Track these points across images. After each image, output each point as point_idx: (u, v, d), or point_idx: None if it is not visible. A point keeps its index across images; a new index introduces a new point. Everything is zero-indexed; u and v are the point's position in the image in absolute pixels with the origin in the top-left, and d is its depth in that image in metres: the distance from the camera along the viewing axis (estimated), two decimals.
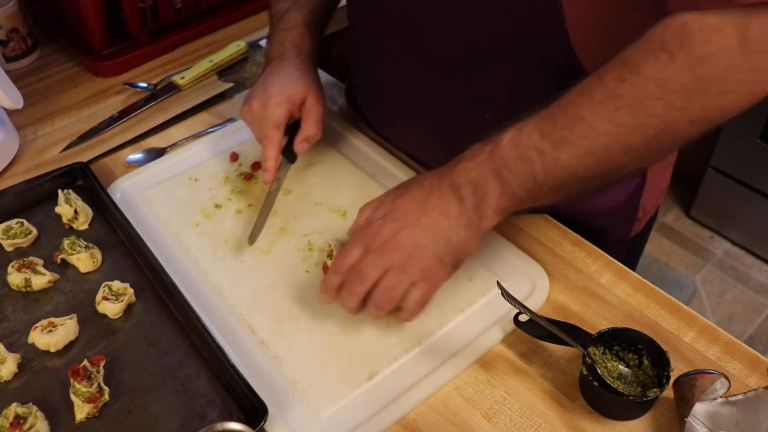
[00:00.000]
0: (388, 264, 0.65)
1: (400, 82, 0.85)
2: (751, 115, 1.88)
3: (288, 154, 0.87)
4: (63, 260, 0.79)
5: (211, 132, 1.00)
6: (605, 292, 0.77)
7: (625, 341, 0.67)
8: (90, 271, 0.79)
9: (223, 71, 1.13)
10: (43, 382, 0.68)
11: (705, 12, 0.54)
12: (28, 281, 0.76)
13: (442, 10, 0.73)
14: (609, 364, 0.66)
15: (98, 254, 0.80)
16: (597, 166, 0.61)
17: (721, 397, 0.60)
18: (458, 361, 0.69)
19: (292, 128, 0.86)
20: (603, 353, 0.67)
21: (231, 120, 1.01)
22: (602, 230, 0.84)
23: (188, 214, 0.86)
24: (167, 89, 1.08)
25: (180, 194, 0.89)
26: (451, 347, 0.71)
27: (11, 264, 0.77)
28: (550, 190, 0.63)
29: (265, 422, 0.62)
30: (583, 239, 0.82)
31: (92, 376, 0.66)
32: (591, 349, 0.65)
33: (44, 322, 0.71)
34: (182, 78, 1.08)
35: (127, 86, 1.10)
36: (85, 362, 0.67)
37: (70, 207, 0.83)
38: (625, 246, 0.88)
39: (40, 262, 0.78)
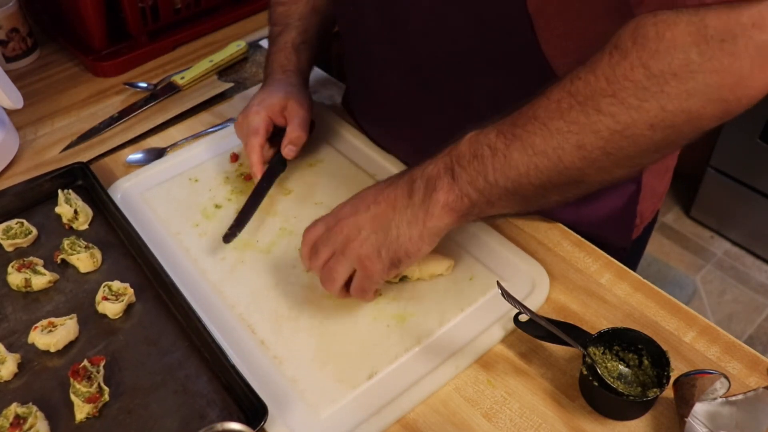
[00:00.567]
0: (333, 245, 0.67)
1: (386, 89, 0.86)
2: (751, 115, 1.88)
3: (278, 162, 0.88)
4: (63, 260, 0.79)
5: (211, 132, 1.00)
6: (605, 292, 0.77)
7: (625, 341, 0.67)
8: (90, 271, 0.79)
9: (223, 71, 1.13)
10: (43, 382, 0.68)
11: (658, 11, 0.52)
12: (28, 281, 0.76)
13: (421, 20, 0.74)
14: (609, 364, 0.66)
15: (98, 254, 0.80)
16: (550, 170, 0.58)
17: (721, 397, 0.60)
18: (458, 361, 0.69)
19: (280, 137, 0.88)
20: (603, 353, 0.67)
21: (231, 120, 1.01)
22: (600, 239, 0.84)
23: (188, 215, 0.86)
24: (167, 89, 1.08)
25: (180, 195, 0.89)
26: (451, 347, 0.71)
27: (11, 264, 0.77)
28: (504, 194, 0.61)
29: (265, 422, 0.62)
30: (583, 239, 0.82)
31: (92, 376, 0.66)
32: (591, 349, 0.65)
33: (44, 322, 0.71)
34: (182, 78, 1.08)
35: (127, 86, 1.10)
36: (85, 362, 0.67)
37: (70, 207, 0.83)
38: (626, 253, 0.88)
39: (40, 262, 0.78)
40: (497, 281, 0.68)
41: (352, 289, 0.70)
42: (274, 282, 0.78)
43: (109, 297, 0.74)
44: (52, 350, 0.70)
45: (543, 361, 0.70)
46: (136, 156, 0.96)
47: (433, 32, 0.74)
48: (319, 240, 0.69)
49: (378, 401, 0.66)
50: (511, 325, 0.70)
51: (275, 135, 0.89)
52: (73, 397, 0.65)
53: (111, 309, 0.73)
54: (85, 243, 0.80)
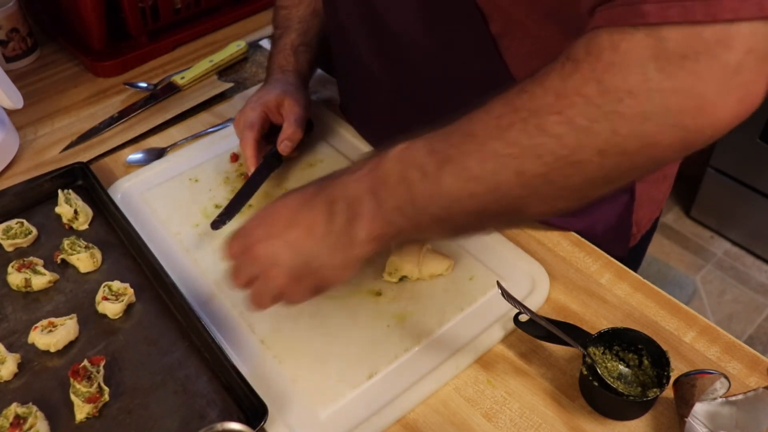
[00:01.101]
0: (251, 272, 0.61)
1: (376, 99, 0.87)
2: (751, 115, 1.88)
3: (273, 157, 0.89)
4: (63, 260, 0.79)
5: (211, 132, 1.00)
6: (605, 292, 0.77)
7: (625, 341, 0.67)
8: (90, 271, 0.79)
9: (223, 71, 1.13)
10: (43, 382, 0.68)
11: (614, 25, 0.46)
12: (28, 281, 0.76)
13: (396, 42, 0.75)
14: (609, 364, 0.66)
15: (98, 254, 0.80)
16: (487, 197, 0.52)
17: (721, 397, 0.60)
18: (458, 361, 0.69)
19: (277, 134, 0.89)
20: (603, 353, 0.67)
21: (231, 120, 1.01)
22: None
23: (188, 215, 0.86)
24: (167, 89, 1.08)
25: (180, 195, 0.89)
26: (451, 346, 0.71)
27: (11, 264, 0.77)
28: (435, 221, 0.55)
29: (265, 422, 0.62)
30: (583, 239, 0.82)
31: (92, 376, 0.66)
32: (591, 349, 0.65)
33: (44, 322, 0.71)
34: (182, 78, 1.08)
35: (127, 86, 1.10)
36: (85, 362, 0.67)
37: (70, 207, 0.83)
38: (623, 261, 0.87)
39: (40, 262, 0.78)
40: (497, 281, 0.68)
41: (281, 302, 0.63)
42: None
43: (109, 297, 0.74)
44: (52, 350, 0.70)
45: (543, 361, 0.70)
46: (136, 156, 0.96)
47: (407, 53, 0.75)
48: (240, 260, 0.62)
49: (378, 401, 0.66)
50: (511, 325, 0.70)
51: (272, 133, 0.89)
52: (73, 397, 0.65)
53: (111, 309, 0.73)
54: (85, 243, 0.80)
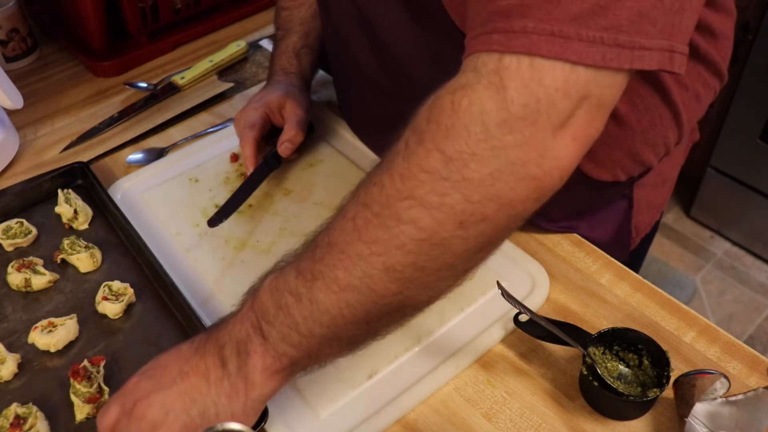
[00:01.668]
0: (137, 431, 0.55)
1: (371, 105, 0.87)
2: (751, 115, 1.88)
3: (272, 157, 0.89)
4: (63, 260, 0.79)
5: (211, 132, 1.00)
6: (605, 292, 0.76)
7: (625, 341, 0.67)
8: (90, 271, 0.79)
9: (223, 71, 1.13)
10: (43, 382, 0.68)
11: (464, 70, 0.45)
12: (28, 281, 0.76)
13: (386, 48, 0.75)
14: (609, 364, 0.66)
15: (98, 254, 0.80)
16: (365, 303, 0.50)
17: (721, 397, 0.60)
18: (458, 361, 0.69)
19: (277, 136, 0.89)
20: (603, 353, 0.67)
21: (231, 120, 1.01)
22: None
23: (188, 215, 0.86)
24: (167, 89, 1.08)
25: (180, 195, 0.89)
26: (450, 346, 0.71)
27: (11, 264, 0.77)
28: (324, 342, 0.52)
29: (265, 422, 0.62)
30: (583, 239, 0.82)
31: (92, 376, 0.66)
32: (591, 349, 0.65)
33: (44, 322, 0.71)
34: (182, 78, 1.08)
35: (127, 86, 1.10)
36: (85, 362, 0.67)
37: (70, 207, 0.83)
38: (625, 264, 0.87)
39: (40, 262, 0.78)
40: (497, 281, 0.68)
41: None
42: None
43: (109, 297, 0.74)
44: (52, 350, 0.70)
45: (543, 361, 0.70)
46: (136, 156, 0.96)
47: (397, 59, 0.75)
48: (119, 426, 0.55)
49: (378, 401, 0.66)
50: (511, 325, 0.70)
51: (273, 135, 0.89)
52: (73, 397, 0.65)
53: (111, 309, 0.73)
54: (85, 243, 0.80)
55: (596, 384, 0.64)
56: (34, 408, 0.64)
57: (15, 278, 0.76)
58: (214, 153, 0.95)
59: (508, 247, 0.80)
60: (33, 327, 0.71)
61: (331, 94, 1.07)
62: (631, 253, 0.89)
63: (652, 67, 0.45)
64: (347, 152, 0.95)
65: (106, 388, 0.66)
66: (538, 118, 0.44)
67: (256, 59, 1.16)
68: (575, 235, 0.83)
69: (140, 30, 1.12)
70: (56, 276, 0.78)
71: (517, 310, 0.67)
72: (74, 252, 0.78)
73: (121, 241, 0.83)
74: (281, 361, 0.53)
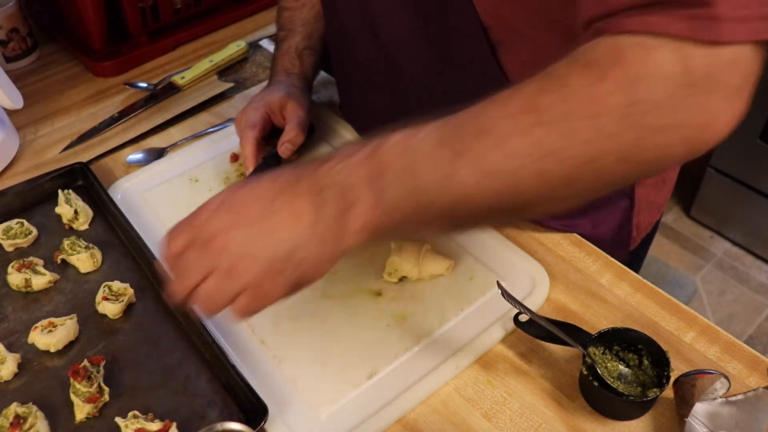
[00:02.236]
0: (211, 265, 0.52)
1: (374, 104, 0.87)
2: (751, 115, 1.87)
3: (272, 157, 0.89)
4: (63, 260, 0.79)
5: (211, 132, 1.00)
6: (605, 292, 0.77)
7: (625, 341, 0.67)
8: (90, 271, 0.79)
9: (223, 71, 1.13)
10: (43, 382, 0.68)
11: (636, 34, 0.46)
12: (28, 281, 0.76)
13: (394, 47, 0.75)
14: (609, 364, 0.66)
15: (98, 254, 0.80)
16: (502, 195, 0.50)
17: (721, 397, 0.60)
18: (458, 360, 0.69)
19: (278, 137, 0.89)
20: (603, 353, 0.67)
21: (231, 120, 1.01)
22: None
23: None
24: (167, 89, 1.08)
25: (180, 195, 0.89)
26: (451, 346, 0.71)
27: (11, 264, 0.77)
28: (438, 216, 0.51)
29: (265, 422, 0.62)
30: (583, 239, 0.82)
31: (92, 376, 0.66)
32: (591, 349, 0.65)
33: (44, 322, 0.71)
34: (182, 78, 1.08)
35: (127, 86, 1.10)
36: (85, 362, 0.67)
37: (70, 207, 0.83)
38: (625, 264, 0.87)
39: (40, 262, 0.78)
40: (497, 281, 0.69)
41: (235, 310, 0.54)
42: None
43: (109, 297, 0.74)
44: (52, 350, 0.70)
45: (543, 361, 0.70)
46: (136, 156, 0.96)
47: (404, 59, 0.74)
48: (187, 256, 0.54)
49: (378, 401, 0.66)
50: (511, 325, 0.70)
51: (273, 135, 0.89)
52: (73, 397, 0.65)
53: (111, 309, 0.73)
54: (85, 243, 0.80)
55: (596, 384, 0.64)
56: (34, 408, 0.64)
57: (15, 278, 0.76)
58: (214, 153, 0.95)
59: (508, 247, 0.80)
60: (33, 327, 0.71)
61: (331, 95, 1.07)
62: (631, 253, 0.89)
63: None
64: None
65: (106, 388, 0.66)
66: (714, 88, 0.46)
67: (256, 59, 1.16)
68: (575, 235, 0.83)
69: (140, 30, 1.12)
70: (56, 276, 0.78)
71: (517, 310, 0.67)
72: (74, 252, 0.78)
73: (121, 242, 0.83)
74: (385, 219, 0.51)
